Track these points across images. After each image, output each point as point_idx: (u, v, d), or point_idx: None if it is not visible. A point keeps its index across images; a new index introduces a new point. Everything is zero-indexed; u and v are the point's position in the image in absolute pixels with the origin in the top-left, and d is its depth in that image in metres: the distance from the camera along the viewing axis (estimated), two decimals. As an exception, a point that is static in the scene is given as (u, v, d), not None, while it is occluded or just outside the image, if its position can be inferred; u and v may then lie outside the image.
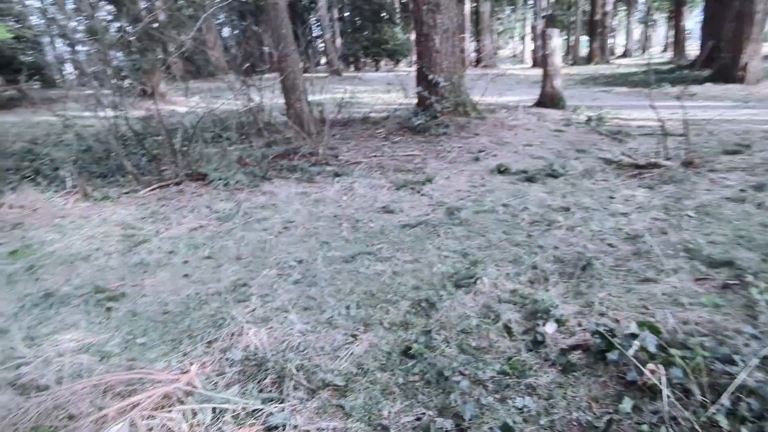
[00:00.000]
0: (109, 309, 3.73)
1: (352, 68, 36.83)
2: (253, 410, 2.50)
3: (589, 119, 10.35)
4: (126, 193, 6.97)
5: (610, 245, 4.23)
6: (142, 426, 2.35)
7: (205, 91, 14.04)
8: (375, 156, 8.53)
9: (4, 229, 5.77)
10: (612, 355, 2.55)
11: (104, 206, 6.48)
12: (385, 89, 16.68)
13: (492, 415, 2.33)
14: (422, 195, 6.25)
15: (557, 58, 12.22)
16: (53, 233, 5.55)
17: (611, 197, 5.60)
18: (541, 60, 15.10)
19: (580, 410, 2.34)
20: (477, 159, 7.98)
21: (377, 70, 35.94)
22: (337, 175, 7.36)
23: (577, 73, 24.56)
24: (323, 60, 34.61)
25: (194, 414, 2.45)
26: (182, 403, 2.51)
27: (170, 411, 2.43)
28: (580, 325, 3.05)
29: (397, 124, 10.65)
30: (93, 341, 3.26)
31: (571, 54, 34.91)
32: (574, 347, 2.81)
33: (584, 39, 35.15)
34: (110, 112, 7.71)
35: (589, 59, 32.21)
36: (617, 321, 3.05)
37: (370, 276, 3.98)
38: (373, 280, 3.89)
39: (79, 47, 10.41)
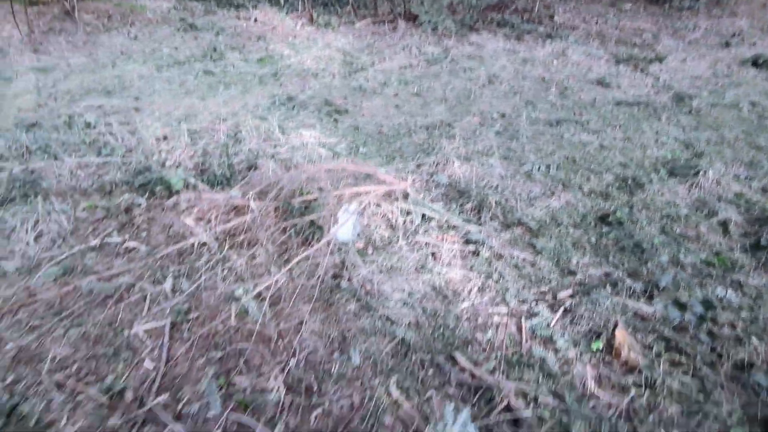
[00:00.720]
0: (336, 120, 4.36)
1: None
2: (454, 225, 2.88)
3: None
4: (344, 23, 7.46)
5: None
6: (369, 211, 2.91)
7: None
8: (596, 23, 7.54)
9: (252, 39, 6.77)
10: None
11: (326, 32, 7.08)
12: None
13: (688, 292, 2.34)
14: (647, 74, 5.51)
15: None
16: (288, 49, 6.37)
17: None
18: None
19: (793, 318, 2.21)
20: (727, 44, 6.56)
21: None
22: (549, 36, 6.78)
23: None
24: None
25: (408, 213, 2.93)
26: (399, 202, 2.99)
27: (391, 205, 2.93)
28: (818, 245, 2.69)
29: (632, -12, 9.02)
30: (326, 141, 3.92)
31: None
32: (803, 263, 2.54)
33: None
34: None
35: None
36: None
37: (575, 144, 3.89)
38: (577, 148, 3.81)
39: None
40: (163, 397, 1.85)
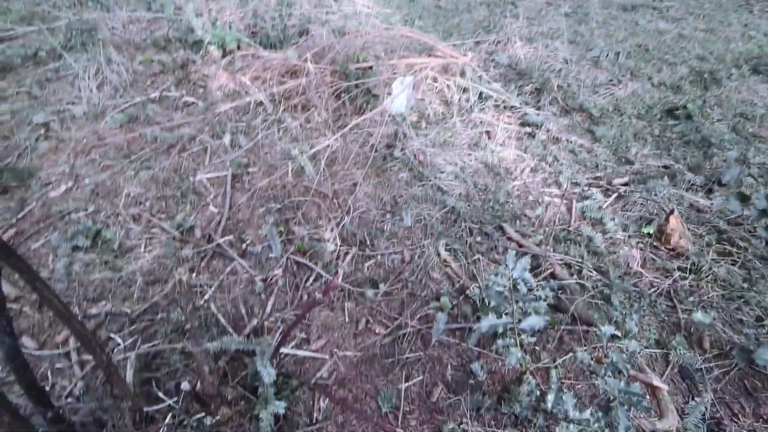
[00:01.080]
0: (390, -10, 4.06)
1: None
2: (512, 106, 2.79)
3: None
4: None
5: None
6: (425, 85, 2.82)
7: None
8: None
9: None
10: None
11: None
12: None
13: (751, 189, 2.27)
14: (744, -41, 4.83)
15: None
16: None
17: None
18: None
19: None
20: None
21: None
22: None
23: None
24: None
25: (464, 90, 2.83)
26: (456, 78, 2.88)
27: (448, 81, 2.82)
28: None
29: None
30: (380, 11, 3.69)
31: None
32: None
33: None
34: None
35: None
36: None
37: (650, 31, 3.56)
38: (652, 37, 3.49)
39: None
40: (229, 237, 2.00)
